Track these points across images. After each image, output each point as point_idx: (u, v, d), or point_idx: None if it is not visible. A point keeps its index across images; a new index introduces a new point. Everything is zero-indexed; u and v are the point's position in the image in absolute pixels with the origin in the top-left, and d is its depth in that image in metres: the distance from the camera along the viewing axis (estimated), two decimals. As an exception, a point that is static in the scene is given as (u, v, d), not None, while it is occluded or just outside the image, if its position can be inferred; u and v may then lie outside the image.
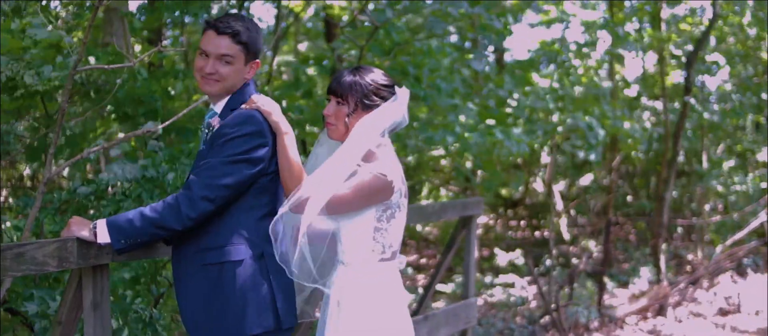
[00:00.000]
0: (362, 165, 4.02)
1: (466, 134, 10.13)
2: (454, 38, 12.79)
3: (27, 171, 13.97)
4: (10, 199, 11.50)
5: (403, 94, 4.21)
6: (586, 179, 17.36)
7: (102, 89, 6.78)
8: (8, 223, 8.15)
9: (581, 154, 12.71)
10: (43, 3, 6.89)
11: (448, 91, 9.76)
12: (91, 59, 6.17)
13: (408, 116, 4.24)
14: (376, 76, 4.14)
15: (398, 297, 4.18)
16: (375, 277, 4.10)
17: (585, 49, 14.52)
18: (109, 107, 8.04)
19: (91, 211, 6.41)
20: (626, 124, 13.25)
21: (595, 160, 12.55)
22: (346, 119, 4.10)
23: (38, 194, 5.84)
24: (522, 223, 18.48)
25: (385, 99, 4.13)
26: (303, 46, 17.56)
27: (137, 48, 10.44)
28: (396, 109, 4.15)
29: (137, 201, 6.14)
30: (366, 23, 10.67)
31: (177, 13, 10.70)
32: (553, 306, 11.80)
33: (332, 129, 4.17)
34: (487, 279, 14.16)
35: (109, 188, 6.40)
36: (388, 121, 4.13)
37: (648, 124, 14.21)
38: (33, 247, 4.14)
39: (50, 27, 5.60)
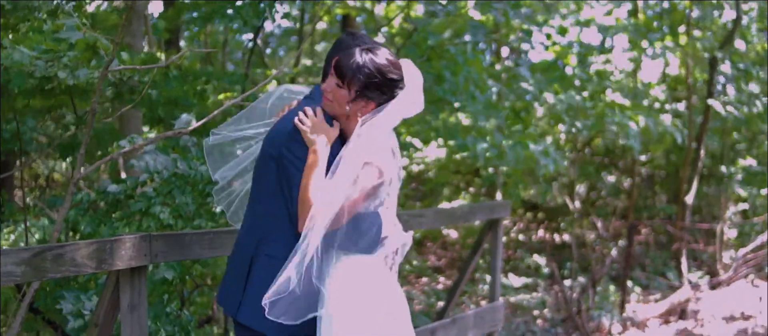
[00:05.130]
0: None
1: (501, 142, 10.10)
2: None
3: (44, 170, 14.00)
4: (27, 199, 11.51)
5: (412, 77, 4.03)
6: (607, 182, 17.30)
7: (135, 90, 6.77)
8: (26, 224, 8.18)
9: (622, 141, 12.65)
10: (74, 3, 6.89)
11: (482, 101, 9.73)
12: (124, 58, 6.16)
13: (423, 101, 4.04)
14: (384, 67, 3.91)
15: (386, 283, 4.08)
16: (363, 265, 3.99)
17: (602, 57, 14.49)
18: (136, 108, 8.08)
19: (124, 209, 6.41)
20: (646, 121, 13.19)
21: (637, 148, 12.48)
22: (347, 107, 3.95)
23: (68, 194, 5.84)
24: (542, 226, 18.43)
25: (389, 93, 3.95)
26: (320, 47, 17.58)
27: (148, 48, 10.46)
28: (404, 105, 3.99)
29: (168, 198, 6.13)
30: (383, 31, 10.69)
31: (195, 14, 10.79)
32: (575, 309, 11.77)
33: (328, 104, 4.00)
34: (507, 281, 14.13)
35: (139, 187, 6.39)
36: (397, 118, 4.00)
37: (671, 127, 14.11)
38: (72, 248, 4.15)
39: (84, 30, 5.58)
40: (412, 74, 4.05)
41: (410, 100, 4.01)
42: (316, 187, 3.83)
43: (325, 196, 3.80)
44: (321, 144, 3.91)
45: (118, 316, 4.60)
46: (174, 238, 4.77)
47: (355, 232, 3.93)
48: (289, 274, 3.74)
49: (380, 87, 3.91)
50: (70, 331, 5.86)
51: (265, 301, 3.73)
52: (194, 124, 5.82)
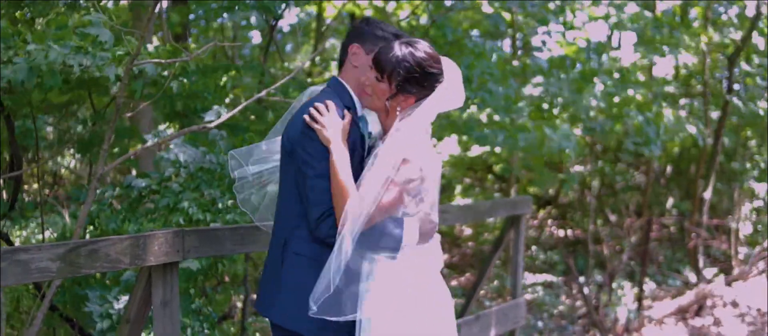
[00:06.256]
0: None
1: (518, 134, 10.01)
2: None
3: (52, 167, 13.94)
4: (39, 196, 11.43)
5: (450, 72, 4.01)
6: (624, 177, 17.22)
7: (157, 83, 6.69)
8: (37, 219, 8.11)
9: (646, 151, 12.52)
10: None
11: (501, 96, 9.64)
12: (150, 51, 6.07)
13: (463, 95, 4.04)
14: (423, 60, 3.89)
15: (429, 277, 4.02)
16: (403, 260, 3.89)
17: (613, 53, 14.39)
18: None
19: (150, 205, 6.34)
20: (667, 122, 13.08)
21: (657, 154, 12.39)
22: (387, 102, 3.91)
23: (91, 190, 5.77)
24: (555, 222, 18.35)
25: (429, 87, 3.91)
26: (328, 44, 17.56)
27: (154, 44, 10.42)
28: (443, 99, 3.96)
29: (196, 192, 6.06)
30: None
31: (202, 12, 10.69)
32: (594, 304, 11.72)
33: (367, 99, 4.00)
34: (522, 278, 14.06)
35: (164, 182, 6.32)
36: (435, 113, 3.96)
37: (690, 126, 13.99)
38: (106, 243, 4.09)
39: (110, 32, 5.50)
40: (450, 69, 4.02)
41: (449, 94, 3.98)
42: (349, 184, 3.77)
43: (360, 193, 3.74)
44: (338, 140, 3.84)
45: (151, 312, 4.54)
46: (206, 234, 4.72)
47: (388, 231, 3.86)
48: (328, 275, 3.68)
49: (420, 81, 3.87)
50: (97, 334, 5.79)
51: (312, 304, 3.68)
52: (222, 117, 5.75)
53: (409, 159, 3.79)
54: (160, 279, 4.40)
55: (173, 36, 10.73)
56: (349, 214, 3.70)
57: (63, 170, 15.36)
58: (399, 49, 3.87)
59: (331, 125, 3.84)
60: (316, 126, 3.83)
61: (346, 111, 3.93)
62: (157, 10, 8.93)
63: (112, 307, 5.62)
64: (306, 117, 3.85)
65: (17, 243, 10.18)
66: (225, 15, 11.57)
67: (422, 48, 3.92)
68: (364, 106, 4.06)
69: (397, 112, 3.90)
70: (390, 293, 3.84)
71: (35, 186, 12.91)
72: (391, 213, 3.82)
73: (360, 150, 3.98)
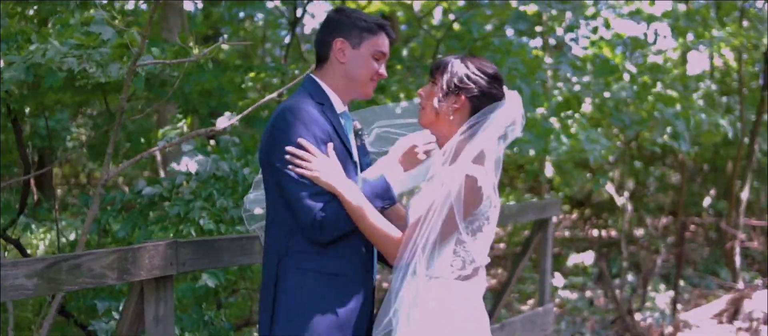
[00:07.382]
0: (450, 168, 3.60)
1: (548, 138, 9.77)
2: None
3: (83, 168, 13.86)
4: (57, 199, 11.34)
5: (513, 98, 3.80)
6: (655, 177, 16.92)
7: (167, 83, 6.51)
8: (63, 222, 7.95)
9: (674, 144, 12.24)
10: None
11: (528, 94, 9.40)
12: (154, 52, 5.87)
13: (523, 122, 3.84)
14: (472, 59, 3.76)
15: (475, 319, 3.73)
16: (450, 295, 3.64)
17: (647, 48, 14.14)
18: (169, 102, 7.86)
19: (160, 212, 6.16)
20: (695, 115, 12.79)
21: (686, 149, 12.11)
22: (436, 104, 3.70)
23: (96, 195, 5.59)
24: (589, 223, 18.06)
25: (479, 87, 3.68)
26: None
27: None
28: (502, 117, 3.72)
29: (208, 201, 5.84)
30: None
31: (234, 10, 10.55)
32: (628, 308, 11.43)
33: (421, 113, 3.80)
34: (553, 280, 13.79)
35: (176, 189, 6.11)
36: (493, 136, 3.70)
37: (725, 121, 13.67)
38: (89, 258, 3.86)
39: (112, 30, 5.31)
40: (511, 96, 3.82)
41: (510, 112, 3.77)
42: (383, 221, 3.61)
43: (412, 214, 3.62)
44: (339, 178, 3.62)
45: (143, 329, 4.32)
46: (203, 245, 4.47)
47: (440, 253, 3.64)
48: (390, 309, 3.61)
49: (471, 77, 3.69)
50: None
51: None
52: (231, 120, 5.53)
53: (470, 174, 3.55)
54: (152, 294, 4.15)
55: (202, 37, 10.64)
56: (404, 245, 3.56)
57: (96, 172, 15.28)
58: (451, 57, 3.82)
59: (321, 167, 3.59)
60: (309, 175, 3.57)
61: (330, 145, 3.69)
62: (170, 9, 8.81)
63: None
64: (303, 172, 3.60)
65: (41, 247, 10.07)
66: (257, 15, 11.45)
67: (476, 56, 3.85)
68: (420, 123, 3.87)
69: (450, 118, 3.72)
70: (431, 324, 3.63)
71: (60, 189, 12.80)
72: (444, 238, 3.58)
73: (340, 145, 3.77)
